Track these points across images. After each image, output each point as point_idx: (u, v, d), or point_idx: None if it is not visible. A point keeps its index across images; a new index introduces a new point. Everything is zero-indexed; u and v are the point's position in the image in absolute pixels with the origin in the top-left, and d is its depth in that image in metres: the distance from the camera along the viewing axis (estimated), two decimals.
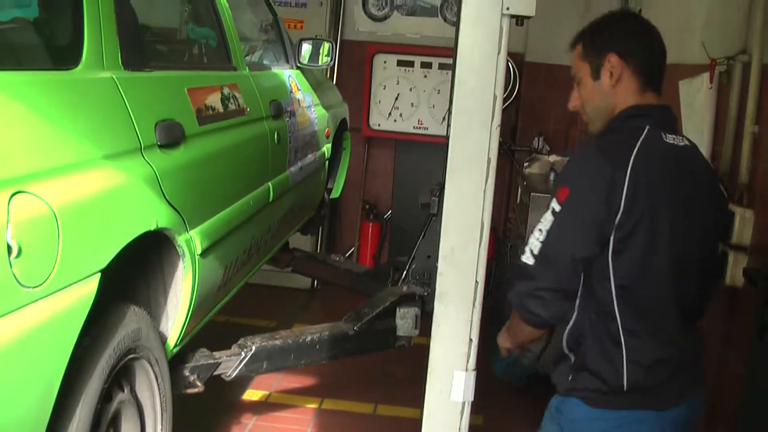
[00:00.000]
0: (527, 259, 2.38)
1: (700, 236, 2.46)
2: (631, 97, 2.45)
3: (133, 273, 2.88)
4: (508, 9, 3.32)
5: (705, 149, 3.73)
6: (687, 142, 2.45)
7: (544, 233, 2.32)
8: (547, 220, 2.33)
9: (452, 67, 3.51)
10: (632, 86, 2.45)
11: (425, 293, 4.01)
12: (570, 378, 2.52)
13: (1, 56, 2.44)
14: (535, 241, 2.35)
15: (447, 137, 3.57)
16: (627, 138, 2.35)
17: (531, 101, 7.38)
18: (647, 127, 2.37)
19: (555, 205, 2.32)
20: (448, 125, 3.58)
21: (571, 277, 2.38)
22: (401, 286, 4.14)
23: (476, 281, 3.28)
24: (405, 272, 4.20)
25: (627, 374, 2.40)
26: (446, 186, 3.37)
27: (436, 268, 3.33)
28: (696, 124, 3.78)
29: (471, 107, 3.41)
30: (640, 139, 2.32)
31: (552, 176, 5.00)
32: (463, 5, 3.37)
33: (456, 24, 3.48)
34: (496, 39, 3.35)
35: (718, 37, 3.83)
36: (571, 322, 2.49)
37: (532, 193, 5.13)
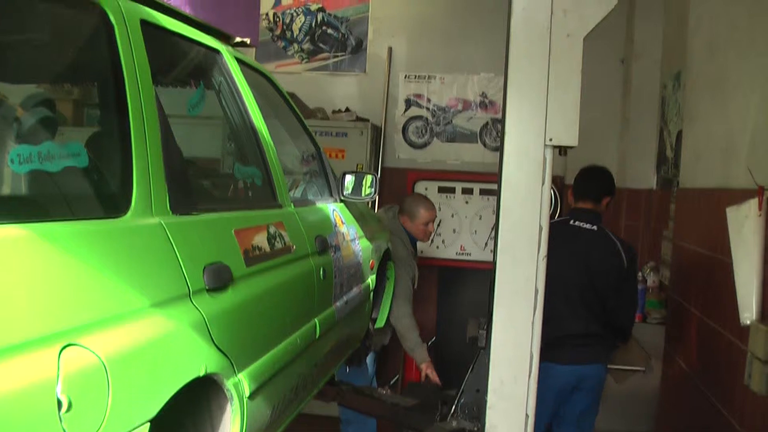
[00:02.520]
0: None
1: (581, 278, 5.10)
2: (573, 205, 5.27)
3: (181, 417, 2.84)
4: (551, 140, 3.34)
5: (756, 276, 3.68)
6: (591, 227, 5.15)
7: None
8: None
9: (497, 199, 3.51)
10: (572, 200, 5.31)
11: (475, 428, 3.94)
12: None
13: (52, 207, 2.47)
14: None
15: (493, 263, 3.56)
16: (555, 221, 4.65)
17: None
18: (565, 217, 5.25)
19: None
20: (494, 253, 3.57)
21: None
22: (450, 421, 4.08)
23: (526, 414, 3.23)
24: (454, 407, 4.14)
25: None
26: (494, 318, 3.35)
27: (486, 402, 3.28)
28: (745, 250, 3.72)
29: (517, 239, 3.41)
30: (556, 220, 4.57)
31: None
32: (506, 138, 3.39)
33: (499, 153, 3.50)
34: (540, 171, 3.37)
35: (765, 162, 3.80)
36: None
37: None
